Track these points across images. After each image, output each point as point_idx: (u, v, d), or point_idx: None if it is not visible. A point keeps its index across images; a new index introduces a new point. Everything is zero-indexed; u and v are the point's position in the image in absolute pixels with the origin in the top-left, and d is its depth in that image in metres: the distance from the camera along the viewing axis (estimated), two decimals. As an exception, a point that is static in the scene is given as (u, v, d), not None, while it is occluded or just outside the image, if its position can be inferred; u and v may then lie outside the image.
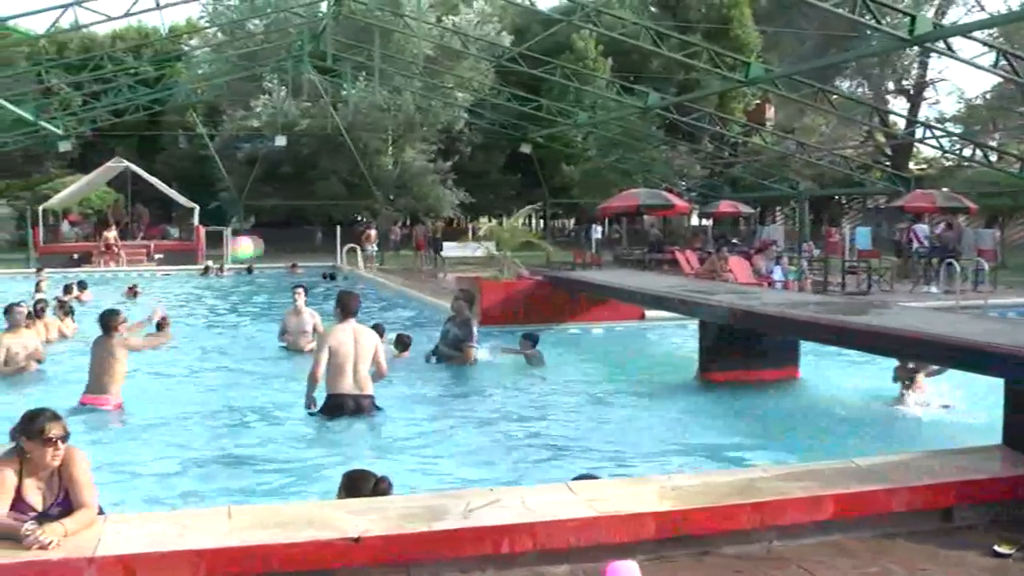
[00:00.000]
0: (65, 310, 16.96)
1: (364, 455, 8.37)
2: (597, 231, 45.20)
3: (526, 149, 40.73)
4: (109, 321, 10.58)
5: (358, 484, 5.64)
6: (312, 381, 9.66)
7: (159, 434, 9.33)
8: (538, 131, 39.54)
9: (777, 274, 23.60)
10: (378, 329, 14.52)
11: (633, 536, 4.91)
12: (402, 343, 13.82)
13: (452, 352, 13.06)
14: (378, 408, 9.82)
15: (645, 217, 40.85)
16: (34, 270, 29.35)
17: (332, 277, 29.54)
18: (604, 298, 16.60)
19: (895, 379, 10.65)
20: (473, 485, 7.21)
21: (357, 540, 4.55)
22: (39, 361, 12.77)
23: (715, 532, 5.10)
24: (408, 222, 47.68)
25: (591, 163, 45.68)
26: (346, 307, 10.01)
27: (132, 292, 24.20)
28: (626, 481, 6.02)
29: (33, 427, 4.90)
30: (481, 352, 13.29)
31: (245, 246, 10.98)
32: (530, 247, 21.39)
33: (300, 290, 15.10)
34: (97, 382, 10.29)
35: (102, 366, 10.31)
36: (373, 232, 37.37)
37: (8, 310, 13.04)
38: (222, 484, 7.72)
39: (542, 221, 60.60)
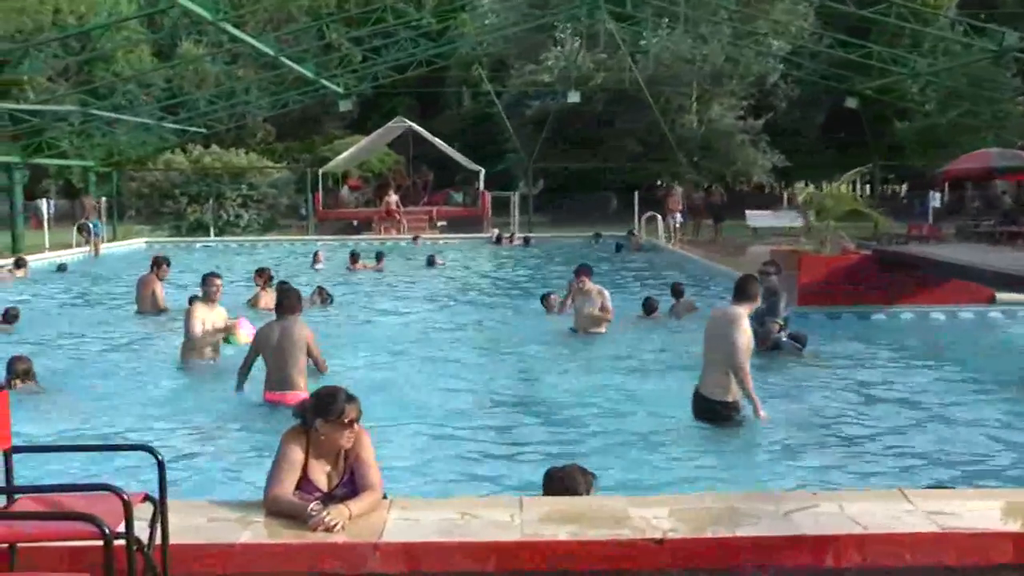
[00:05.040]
0: (322, 297, 17.96)
1: (652, 447, 8.42)
2: (935, 199, 43.07)
3: (852, 104, 39.14)
4: (291, 302, 10.27)
5: (565, 483, 5.66)
6: None
7: (438, 415, 9.72)
8: (866, 82, 38.03)
9: None
10: (679, 293, 15.48)
11: (985, 559, 4.65)
12: (677, 292, 16.38)
13: (755, 327, 12.82)
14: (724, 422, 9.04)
15: (996, 182, 38.55)
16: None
17: (619, 248, 29.83)
18: (945, 277, 15.83)
19: None
20: (778, 485, 7.08)
21: (660, 542, 4.55)
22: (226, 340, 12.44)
23: (1091, 561, 4.74)
24: (709, 187, 47.13)
25: (929, 119, 43.55)
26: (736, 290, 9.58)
27: (432, 262, 25.41)
28: (977, 493, 5.72)
29: (332, 409, 5.17)
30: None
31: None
32: (856, 217, 20.65)
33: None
34: (281, 378, 9.88)
35: (286, 356, 9.91)
36: (677, 198, 36.80)
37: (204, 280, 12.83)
38: (503, 470, 7.96)
39: (868, 187, 58.43)
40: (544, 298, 16.97)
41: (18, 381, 10.32)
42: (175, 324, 15.79)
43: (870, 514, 4.86)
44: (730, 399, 8.91)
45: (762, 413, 8.85)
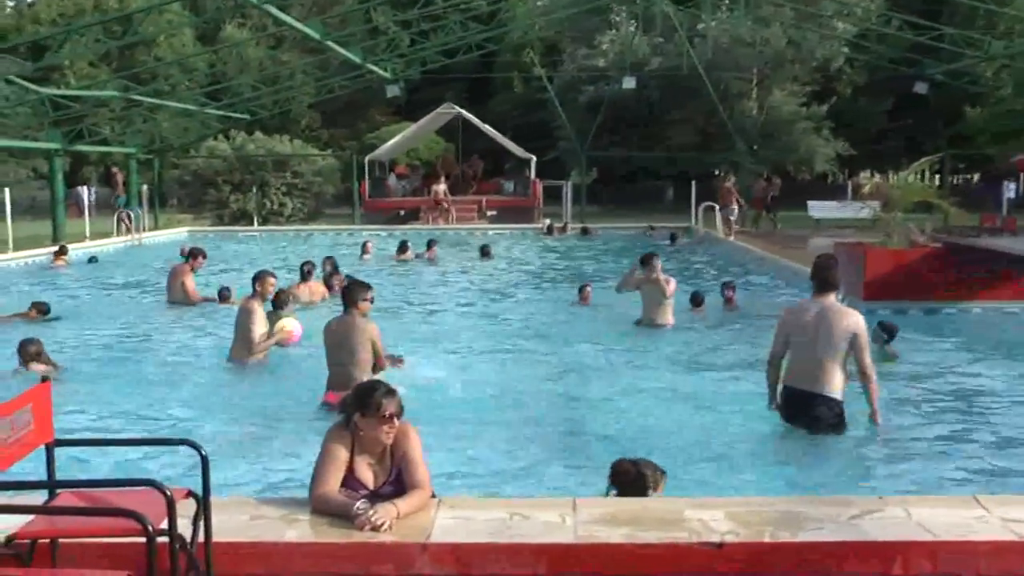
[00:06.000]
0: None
1: (714, 447, 8.34)
2: (1011, 189, 42.43)
3: (921, 89, 38.63)
4: (355, 295, 9.81)
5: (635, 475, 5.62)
6: (768, 368, 9.06)
7: (490, 412, 9.72)
8: (937, 67, 37.54)
9: None
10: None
11: (1065, 569, 4.57)
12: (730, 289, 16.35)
13: None
14: (837, 422, 8.57)
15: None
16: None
17: (674, 239, 29.68)
18: (1019, 271, 15.60)
19: None
20: (842, 488, 7.00)
21: (718, 546, 4.52)
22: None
23: None
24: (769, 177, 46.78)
25: (1003, 105, 42.93)
26: (815, 278, 8.87)
27: (485, 253, 25.41)
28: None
29: (368, 402, 5.16)
30: None
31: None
32: (925, 208, 20.41)
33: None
34: (342, 376, 9.45)
35: (348, 353, 9.58)
36: (730, 186, 36.42)
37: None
38: (556, 469, 7.94)
39: (938, 176, 57.70)
40: (581, 289, 17.19)
41: (32, 363, 10.61)
42: (207, 315, 15.98)
43: (941, 520, 4.79)
44: (842, 398, 8.53)
45: (879, 418, 8.56)
